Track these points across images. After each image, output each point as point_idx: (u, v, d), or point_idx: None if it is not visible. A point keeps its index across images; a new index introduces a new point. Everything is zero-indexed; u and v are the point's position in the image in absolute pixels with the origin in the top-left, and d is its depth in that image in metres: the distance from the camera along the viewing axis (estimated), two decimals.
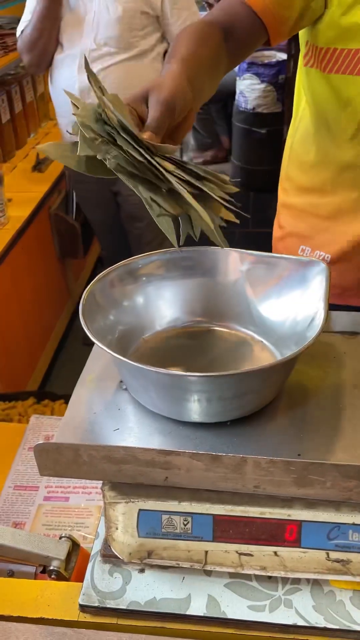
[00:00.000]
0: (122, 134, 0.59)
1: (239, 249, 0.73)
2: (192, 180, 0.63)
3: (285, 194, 1.07)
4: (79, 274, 2.76)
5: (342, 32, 0.84)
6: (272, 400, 0.61)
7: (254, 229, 2.14)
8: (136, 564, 0.62)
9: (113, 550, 0.61)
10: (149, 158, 0.59)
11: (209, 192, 0.64)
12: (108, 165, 0.60)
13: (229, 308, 0.73)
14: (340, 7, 0.83)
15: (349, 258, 0.99)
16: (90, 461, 0.55)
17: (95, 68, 1.77)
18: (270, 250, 1.11)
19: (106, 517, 0.61)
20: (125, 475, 0.55)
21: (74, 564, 0.72)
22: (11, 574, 0.72)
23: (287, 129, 1.08)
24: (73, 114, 0.61)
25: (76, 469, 0.56)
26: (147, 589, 0.61)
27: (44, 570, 0.72)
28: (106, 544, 0.64)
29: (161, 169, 0.60)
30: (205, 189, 0.63)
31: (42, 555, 0.70)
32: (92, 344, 0.59)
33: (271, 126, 3.41)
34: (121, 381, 0.66)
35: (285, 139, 1.09)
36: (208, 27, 0.82)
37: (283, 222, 1.08)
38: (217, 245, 0.68)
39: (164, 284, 0.73)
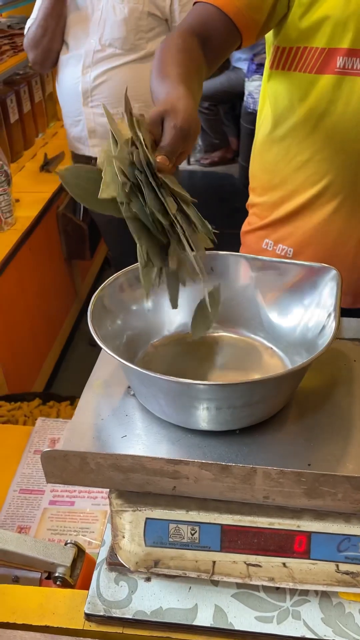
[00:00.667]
0: (150, 180, 0.57)
1: (249, 255, 0.72)
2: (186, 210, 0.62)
3: (253, 193, 1.09)
4: (86, 275, 2.75)
5: (302, 32, 0.87)
6: (282, 408, 0.61)
7: None
8: (142, 573, 0.62)
9: (119, 558, 0.60)
10: (173, 222, 0.58)
11: (196, 224, 0.62)
12: (123, 212, 0.58)
13: (239, 314, 0.72)
14: (300, 7, 0.86)
15: (308, 251, 1.02)
16: (98, 469, 0.54)
17: (99, 69, 1.76)
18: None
19: (113, 525, 0.60)
20: (133, 483, 0.55)
21: (79, 570, 0.71)
22: (16, 580, 0.72)
23: None
24: (113, 156, 0.59)
25: (83, 476, 0.55)
26: (153, 599, 0.61)
27: (49, 576, 0.71)
28: (112, 552, 0.63)
29: (175, 230, 0.59)
30: (193, 219, 0.62)
31: (47, 561, 0.69)
32: (99, 345, 0.58)
33: None
34: (129, 387, 0.65)
35: None
36: (189, 38, 0.83)
37: (251, 220, 1.11)
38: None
39: None
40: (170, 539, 0.58)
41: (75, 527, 0.89)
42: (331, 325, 0.59)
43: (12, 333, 1.92)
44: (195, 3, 0.89)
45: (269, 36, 0.95)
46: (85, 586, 0.70)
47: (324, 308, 0.64)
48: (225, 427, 0.57)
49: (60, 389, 2.17)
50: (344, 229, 0.98)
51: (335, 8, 0.84)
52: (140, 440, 0.58)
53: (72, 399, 1.72)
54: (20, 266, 1.89)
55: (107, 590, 0.62)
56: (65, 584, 0.69)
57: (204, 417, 0.56)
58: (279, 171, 1.00)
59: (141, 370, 0.54)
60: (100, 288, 0.66)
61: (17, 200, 2.01)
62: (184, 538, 0.58)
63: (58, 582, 0.69)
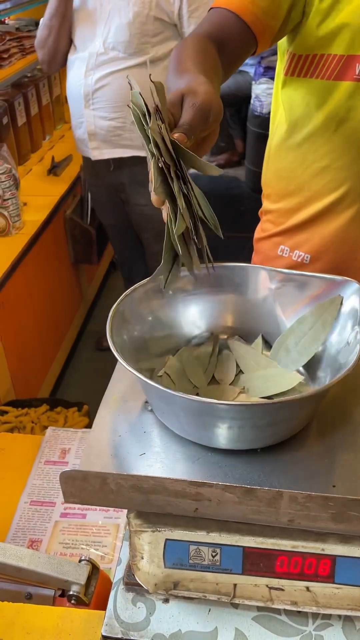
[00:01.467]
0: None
1: (268, 267, 0.71)
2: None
3: (267, 200, 1.08)
4: (92, 279, 2.74)
5: (320, 39, 0.86)
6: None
7: None
8: (161, 594, 0.60)
9: (137, 579, 0.59)
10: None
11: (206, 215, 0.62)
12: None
13: (259, 327, 0.71)
14: (317, 15, 0.85)
15: (326, 257, 1.01)
16: (118, 490, 0.53)
17: (101, 72, 1.75)
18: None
19: (131, 545, 0.59)
20: (154, 505, 0.53)
21: (93, 588, 0.70)
22: (29, 597, 0.70)
23: None
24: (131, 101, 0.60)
25: (102, 497, 0.54)
26: (171, 621, 0.59)
27: (63, 593, 0.70)
28: (129, 572, 0.62)
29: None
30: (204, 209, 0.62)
31: (61, 579, 0.68)
32: (105, 349, 0.57)
33: None
34: (146, 401, 0.64)
35: None
36: (206, 42, 0.82)
37: (265, 227, 1.10)
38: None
39: (190, 299, 0.71)
40: (190, 561, 0.57)
41: (87, 541, 0.87)
42: (356, 341, 0.58)
43: (20, 337, 1.91)
44: (211, 9, 0.88)
45: (283, 43, 0.94)
46: (100, 604, 0.68)
47: (347, 323, 0.63)
48: (247, 446, 0.56)
49: (66, 393, 2.15)
50: None
51: (355, 15, 0.83)
52: (159, 458, 0.57)
53: (80, 405, 1.71)
54: (27, 270, 1.88)
55: (124, 612, 0.60)
56: (79, 602, 0.68)
57: (225, 435, 0.55)
58: (295, 178, 0.99)
59: (163, 388, 0.52)
60: (118, 300, 0.64)
61: (25, 204, 2.00)
62: (204, 560, 0.57)
63: (72, 601, 0.67)
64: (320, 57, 0.88)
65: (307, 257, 1.02)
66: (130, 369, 0.54)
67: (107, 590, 0.70)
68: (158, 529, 0.57)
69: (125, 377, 0.67)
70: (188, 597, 0.59)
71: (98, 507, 0.94)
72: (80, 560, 0.71)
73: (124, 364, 0.55)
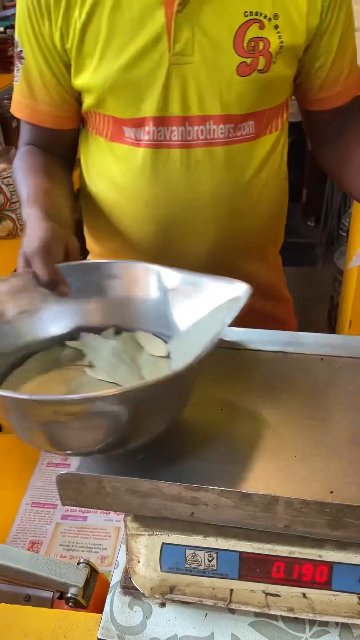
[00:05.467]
0: None
1: (162, 266, 0.67)
2: None
3: None
4: None
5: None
6: (287, 424, 0.58)
7: None
8: (157, 598, 0.60)
9: (134, 583, 0.59)
10: None
11: None
12: None
13: (151, 327, 0.68)
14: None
15: None
16: (114, 493, 0.53)
17: None
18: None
19: (128, 549, 0.59)
20: (150, 508, 0.53)
21: (92, 591, 0.70)
22: (28, 599, 0.71)
23: None
24: None
25: (99, 500, 0.54)
26: (168, 625, 0.59)
27: (61, 596, 0.70)
28: (126, 575, 0.62)
29: None
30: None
31: (59, 581, 0.68)
32: None
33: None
34: None
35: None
36: (30, 155, 0.94)
37: None
38: None
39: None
40: (186, 565, 0.57)
41: (87, 544, 0.87)
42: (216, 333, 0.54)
43: None
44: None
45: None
46: (98, 607, 0.68)
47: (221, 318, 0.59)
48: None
49: None
50: None
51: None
52: (156, 461, 0.56)
53: None
54: None
55: (121, 615, 0.60)
56: (77, 604, 0.68)
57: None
58: None
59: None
60: None
61: None
62: (201, 564, 0.56)
63: (70, 603, 0.67)
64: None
65: None
66: None
67: (105, 594, 0.71)
68: (154, 532, 0.57)
69: None
70: (184, 602, 0.59)
71: (99, 510, 0.94)
72: (78, 563, 0.71)
73: None
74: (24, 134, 0.98)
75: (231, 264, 0.96)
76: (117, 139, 0.90)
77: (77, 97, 0.92)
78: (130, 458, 0.55)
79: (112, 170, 0.94)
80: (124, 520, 0.58)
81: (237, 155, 0.89)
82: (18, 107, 0.94)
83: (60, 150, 0.98)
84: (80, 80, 0.87)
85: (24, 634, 0.61)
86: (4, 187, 1.76)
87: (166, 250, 0.95)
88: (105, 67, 0.83)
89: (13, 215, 1.80)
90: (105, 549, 0.87)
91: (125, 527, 0.58)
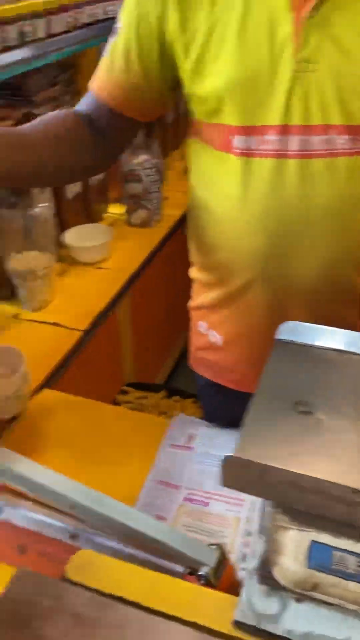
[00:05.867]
0: None
1: None
2: None
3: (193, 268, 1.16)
4: None
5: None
6: None
7: None
8: (296, 593, 0.61)
9: (275, 574, 0.61)
10: None
11: None
12: None
13: None
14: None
15: (241, 342, 1.03)
16: (277, 483, 0.55)
17: None
18: None
19: (271, 539, 0.61)
20: (309, 505, 0.54)
21: (221, 573, 0.72)
22: (161, 571, 0.74)
23: None
24: None
25: (260, 488, 0.56)
26: (304, 620, 0.60)
27: (191, 573, 0.73)
28: (265, 565, 0.63)
29: None
30: None
31: (194, 559, 0.71)
32: None
33: None
34: (296, 402, 0.64)
35: None
36: (63, 117, 0.96)
37: (193, 293, 1.16)
38: None
39: None
40: (333, 566, 0.57)
41: (209, 529, 0.90)
42: None
43: (146, 324, 1.99)
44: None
45: None
46: (226, 591, 0.71)
47: None
48: None
49: (179, 382, 2.22)
50: None
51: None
52: (322, 459, 0.57)
53: (196, 397, 1.76)
54: (160, 262, 1.95)
55: (258, 602, 0.62)
56: (208, 584, 0.71)
57: None
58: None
59: None
60: None
61: (166, 198, 2.08)
62: (348, 568, 0.57)
63: (202, 581, 0.70)
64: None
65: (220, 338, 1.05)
66: None
67: (231, 578, 0.73)
68: (304, 529, 0.58)
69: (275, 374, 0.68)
70: (324, 601, 0.60)
71: (220, 497, 0.96)
72: (210, 545, 0.74)
73: None
74: (83, 101, 1.01)
75: (345, 281, 0.94)
76: (229, 149, 0.89)
77: (152, 89, 0.95)
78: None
79: (222, 180, 0.93)
80: (268, 509, 0.60)
81: None
82: (94, 79, 0.98)
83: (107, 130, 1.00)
84: (200, 86, 0.87)
85: (162, 601, 0.64)
86: (144, 177, 1.84)
87: (276, 264, 0.93)
88: (227, 71, 0.83)
89: (149, 206, 1.88)
90: (226, 537, 0.89)
91: (272, 518, 0.60)
